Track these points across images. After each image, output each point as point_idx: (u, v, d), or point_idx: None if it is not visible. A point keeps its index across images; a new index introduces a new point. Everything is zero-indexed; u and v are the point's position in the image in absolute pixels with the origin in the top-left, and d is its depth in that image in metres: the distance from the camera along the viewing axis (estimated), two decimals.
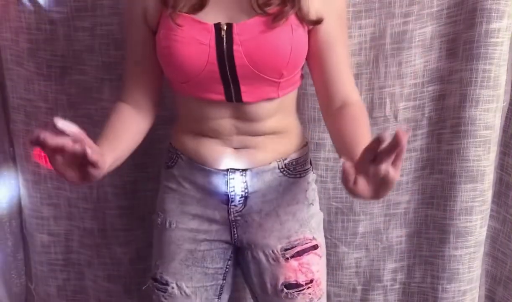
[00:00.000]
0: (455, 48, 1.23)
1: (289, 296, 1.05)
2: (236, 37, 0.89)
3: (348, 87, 1.01)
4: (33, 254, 1.46)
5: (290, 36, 0.91)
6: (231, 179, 1.01)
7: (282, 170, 1.03)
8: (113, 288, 1.45)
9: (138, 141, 1.03)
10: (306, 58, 1.00)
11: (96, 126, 1.32)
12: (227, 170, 1.01)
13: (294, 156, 1.04)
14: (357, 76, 1.26)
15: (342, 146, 0.93)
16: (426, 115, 1.30)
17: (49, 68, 1.29)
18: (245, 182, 1.01)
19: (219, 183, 1.01)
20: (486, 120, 1.24)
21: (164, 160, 1.10)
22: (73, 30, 1.26)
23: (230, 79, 0.92)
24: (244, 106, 0.96)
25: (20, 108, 1.33)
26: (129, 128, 1.00)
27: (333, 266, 1.39)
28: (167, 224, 1.06)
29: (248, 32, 0.90)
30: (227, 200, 1.02)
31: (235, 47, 0.89)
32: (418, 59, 1.25)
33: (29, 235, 1.45)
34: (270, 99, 0.96)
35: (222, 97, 0.94)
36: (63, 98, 1.31)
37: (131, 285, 1.45)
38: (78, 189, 1.37)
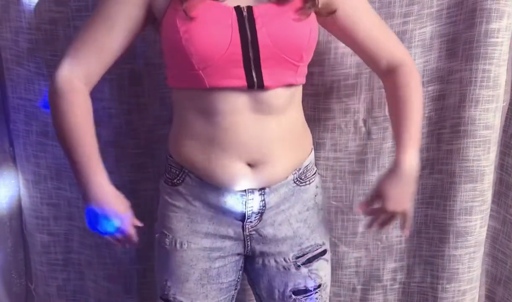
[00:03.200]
0: (455, 48, 1.23)
1: (297, 301, 1.05)
2: (258, 19, 0.89)
3: (388, 49, 1.04)
4: (33, 254, 1.46)
5: (308, 19, 0.93)
6: (250, 199, 0.98)
7: (295, 180, 1.02)
8: (113, 288, 1.45)
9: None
10: (341, 39, 1.06)
11: (96, 126, 1.32)
12: (245, 190, 0.98)
13: (305, 163, 1.04)
14: (357, 76, 1.27)
15: (392, 118, 1.07)
16: (426, 115, 1.30)
17: (49, 68, 1.29)
18: (263, 199, 1.00)
19: (235, 203, 0.98)
20: (486, 120, 1.24)
21: (165, 175, 1.05)
22: (73, 30, 1.25)
23: (252, 62, 0.89)
24: (262, 96, 0.93)
25: (20, 108, 1.33)
26: (88, 117, 0.98)
27: (333, 266, 1.39)
28: (178, 245, 1.02)
29: (268, 14, 0.90)
30: (242, 217, 1.00)
31: (257, 27, 0.89)
32: (418, 59, 1.25)
33: (29, 235, 1.45)
34: (288, 85, 0.95)
35: (243, 82, 0.91)
36: None
37: (131, 285, 1.45)
38: (78, 189, 1.37)
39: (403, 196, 0.99)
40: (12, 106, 1.34)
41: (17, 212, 1.45)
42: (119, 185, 1.35)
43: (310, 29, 0.93)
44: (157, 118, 1.32)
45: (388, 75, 1.04)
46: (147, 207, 1.36)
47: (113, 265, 1.43)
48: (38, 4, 1.24)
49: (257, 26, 0.89)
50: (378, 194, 1.00)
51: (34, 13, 1.25)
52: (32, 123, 1.34)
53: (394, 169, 0.99)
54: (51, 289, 1.48)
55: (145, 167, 1.36)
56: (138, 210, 1.38)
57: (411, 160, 0.99)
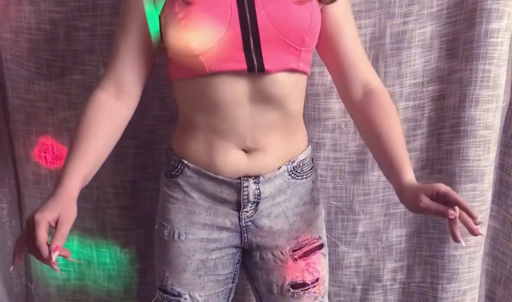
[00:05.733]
0: (455, 48, 1.24)
1: (295, 295, 1.05)
2: (257, 1, 0.89)
3: (365, 69, 1.02)
4: None
5: (310, 4, 0.92)
6: (245, 187, 0.99)
7: (290, 172, 1.03)
8: (113, 288, 1.45)
9: (118, 133, 0.99)
10: (318, 47, 1.02)
11: None
12: (240, 178, 0.99)
13: (301, 157, 1.04)
14: None
15: (375, 143, 0.99)
16: (426, 115, 1.30)
17: (49, 68, 1.29)
18: (258, 188, 1.00)
19: (231, 191, 1.00)
20: (485, 120, 1.24)
21: (165, 167, 1.07)
22: (73, 30, 1.26)
23: (252, 44, 0.89)
24: (263, 81, 0.93)
25: (20, 108, 1.33)
26: (105, 126, 0.95)
27: (333, 266, 1.39)
28: (176, 236, 1.03)
29: None
30: (238, 207, 1.01)
31: (257, 9, 0.89)
32: (418, 59, 1.25)
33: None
34: (290, 70, 0.94)
35: (243, 66, 0.90)
36: (63, 98, 1.31)
37: (131, 285, 1.45)
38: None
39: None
40: (12, 106, 1.34)
41: (17, 212, 1.45)
42: (119, 185, 1.36)
43: (311, 14, 0.92)
44: (157, 118, 1.32)
45: (364, 99, 1.01)
46: (147, 207, 1.36)
47: (113, 265, 1.43)
48: (38, 4, 1.24)
49: (257, 8, 0.89)
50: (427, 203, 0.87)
51: (34, 13, 1.25)
52: (32, 123, 1.34)
53: (406, 189, 0.91)
54: (51, 289, 1.48)
55: (145, 167, 1.36)
56: (138, 210, 1.39)
57: (413, 176, 0.94)
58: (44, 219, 0.82)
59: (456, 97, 1.25)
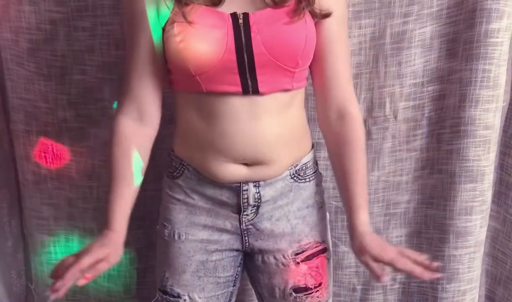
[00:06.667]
0: (455, 48, 1.24)
1: (298, 299, 1.05)
2: (253, 26, 0.90)
3: (345, 91, 1.01)
4: (33, 254, 1.46)
5: (304, 24, 0.93)
6: (244, 190, 0.99)
7: (293, 176, 1.03)
8: (113, 288, 1.45)
9: (148, 154, 1.02)
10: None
11: (96, 127, 1.33)
12: (240, 182, 0.99)
13: (304, 160, 1.04)
14: (357, 76, 1.27)
15: (337, 171, 1.03)
16: (426, 115, 1.30)
17: (49, 68, 1.29)
18: (258, 192, 1.00)
19: (231, 195, 1.00)
20: (485, 120, 1.24)
21: (167, 168, 1.07)
22: (73, 30, 1.26)
23: (247, 68, 0.91)
24: (258, 100, 0.94)
25: (20, 108, 1.33)
26: (131, 157, 0.99)
27: (333, 266, 1.39)
28: (176, 236, 1.04)
29: (264, 21, 0.91)
30: (238, 210, 1.01)
31: (253, 35, 0.90)
32: (418, 59, 1.25)
33: (29, 235, 1.45)
34: (284, 90, 0.96)
35: (238, 88, 0.92)
36: (63, 98, 1.31)
37: (131, 285, 1.45)
38: (78, 189, 1.37)
39: (382, 246, 0.93)
40: (12, 106, 1.34)
41: (17, 212, 1.45)
42: None
43: (305, 36, 0.93)
44: None
45: (336, 123, 1.01)
46: (147, 207, 1.36)
47: (113, 265, 1.43)
48: (38, 4, 1.24)
49: (252, 34, 0.90)
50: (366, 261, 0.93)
51: (34, 13, 1.25)
52: (32, 123, 1.34)
53: (356, 235, 0.95)
54: None
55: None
56: (138, 210, 1.39)
57: (367, 219, 0.98)
58: (96, 254, 0.89)
59: (456, 97, 1.25)
